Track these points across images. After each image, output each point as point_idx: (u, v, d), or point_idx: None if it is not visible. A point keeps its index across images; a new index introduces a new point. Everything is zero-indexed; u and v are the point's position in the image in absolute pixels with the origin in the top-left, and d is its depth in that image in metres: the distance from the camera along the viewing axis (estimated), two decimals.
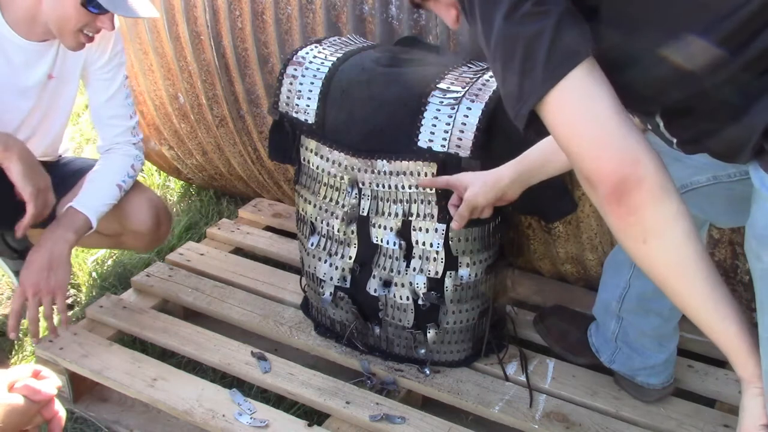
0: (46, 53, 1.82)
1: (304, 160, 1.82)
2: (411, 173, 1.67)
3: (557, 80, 0.97)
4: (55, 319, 1.90)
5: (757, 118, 0.98)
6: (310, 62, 1.77)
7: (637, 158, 0.96)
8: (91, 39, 1.76)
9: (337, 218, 1.79)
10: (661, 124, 1.14)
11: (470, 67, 1.74)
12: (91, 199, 1.88)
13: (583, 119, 0.99)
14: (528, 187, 1.56)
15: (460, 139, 1.60)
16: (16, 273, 2.28)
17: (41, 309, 1.81)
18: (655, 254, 1.01)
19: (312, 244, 1.87)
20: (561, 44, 0.97)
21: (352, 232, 1.80)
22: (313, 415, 1.77)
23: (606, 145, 0.97)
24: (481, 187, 1.56)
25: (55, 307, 1.81)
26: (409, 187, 1.68)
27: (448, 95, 1.63)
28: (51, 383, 1.16)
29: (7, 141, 1.67)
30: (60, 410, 1.17)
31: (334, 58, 1.76)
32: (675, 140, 1.15)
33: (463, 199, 1.58)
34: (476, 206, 1.58)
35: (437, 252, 1.72)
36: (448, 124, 1.61)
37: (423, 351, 1.84)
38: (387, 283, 1.81)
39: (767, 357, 1.04)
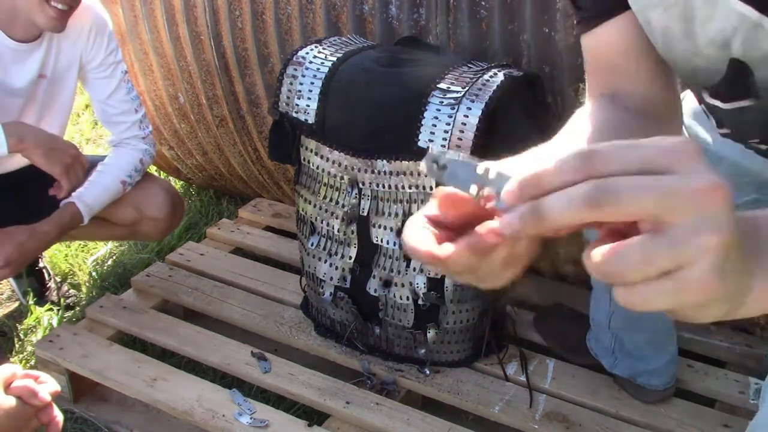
0: (36, 52, 1.82)
1: (304, 160, 1.82)
2: (411, 173, 1.66)
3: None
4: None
5: None
6: (310, 62, 1.77)
7: None
8: (61, 12, 1.71)
9: (337, 218, 1.79)
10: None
11: (470, 67, 1.74)
12: (91, 193, 1.90)
13: None
14: None
15: (461, 139, 1.60)
16: (15, 276, 2.28)
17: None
18: None
19: (312, 244, 1.87)
20: None
21: (352, 232, 1.80)
22: (313, 415, 1.77)
23: None
24: None
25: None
26: (409, 187, 1.68)
27: (449, 95, 1.63)
28: (48, 388, 1.13)
29: (19, 131, 1.68)
30: (58, 415, 1.15)
31: (334, 58, 1.76)
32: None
33: None
34: None
35: None
36: (449, 124, 1.61)
37: (423, 351, 1.84)
38: (387, 283, 1.81)
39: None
